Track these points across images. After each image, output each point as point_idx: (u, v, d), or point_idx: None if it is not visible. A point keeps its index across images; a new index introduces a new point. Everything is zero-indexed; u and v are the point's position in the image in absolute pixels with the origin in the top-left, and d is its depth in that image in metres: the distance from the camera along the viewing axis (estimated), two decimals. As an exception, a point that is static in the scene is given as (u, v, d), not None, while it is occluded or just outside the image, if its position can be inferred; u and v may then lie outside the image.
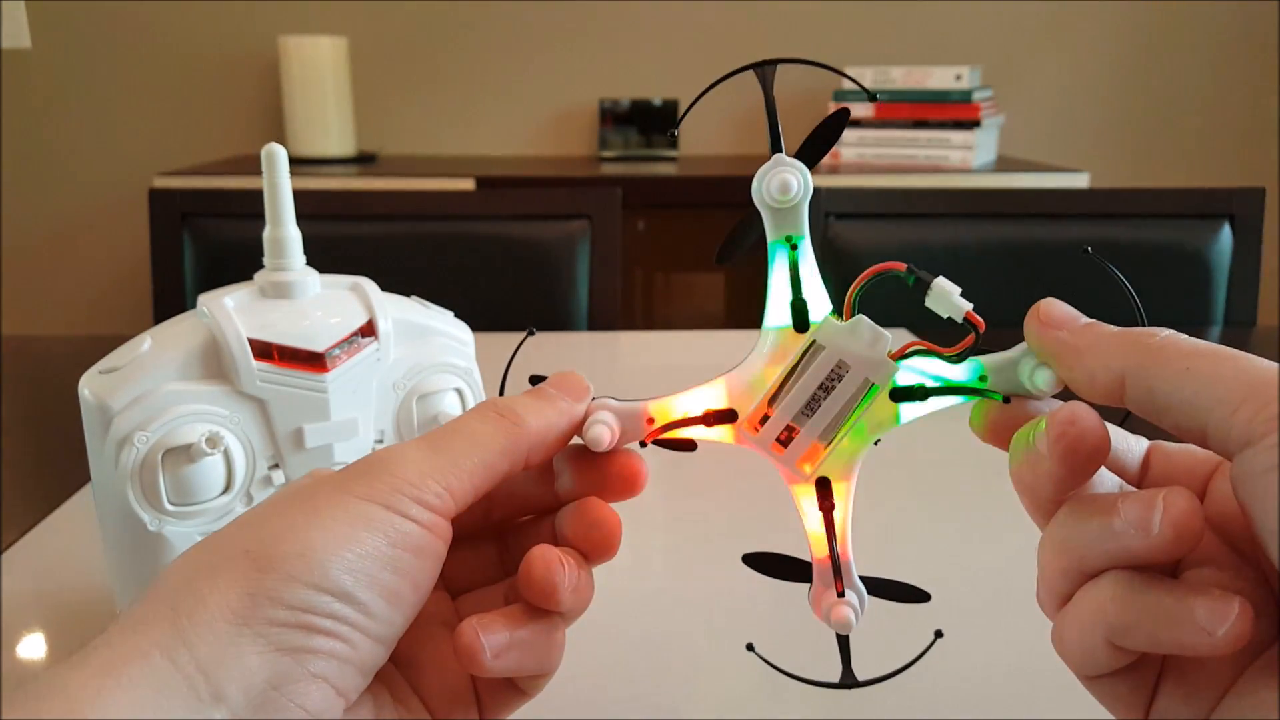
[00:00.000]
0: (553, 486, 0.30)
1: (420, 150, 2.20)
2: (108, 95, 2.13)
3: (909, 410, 0.28)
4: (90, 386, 0.38)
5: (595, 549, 0.28)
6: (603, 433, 0.28)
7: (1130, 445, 0.27)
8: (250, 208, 1.12)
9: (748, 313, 2.08)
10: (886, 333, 0.27)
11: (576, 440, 0.29)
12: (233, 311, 0.39)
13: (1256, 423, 0.21)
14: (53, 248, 2.21)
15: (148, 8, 2.09)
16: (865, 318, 0.28)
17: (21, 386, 0.83)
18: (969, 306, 0.26)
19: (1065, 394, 0.26)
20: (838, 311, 0.28)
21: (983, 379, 0.27)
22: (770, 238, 0.28)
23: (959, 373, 0.27)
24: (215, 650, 0.22)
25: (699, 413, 0.29)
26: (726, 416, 0.29)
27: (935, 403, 0.28)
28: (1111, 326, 0.25)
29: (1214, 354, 0.23)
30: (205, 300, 0.40)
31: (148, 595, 0.23)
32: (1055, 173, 1.90)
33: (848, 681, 0.29)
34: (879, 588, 0.29)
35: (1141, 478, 0.27)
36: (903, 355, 0.28)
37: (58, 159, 2.16)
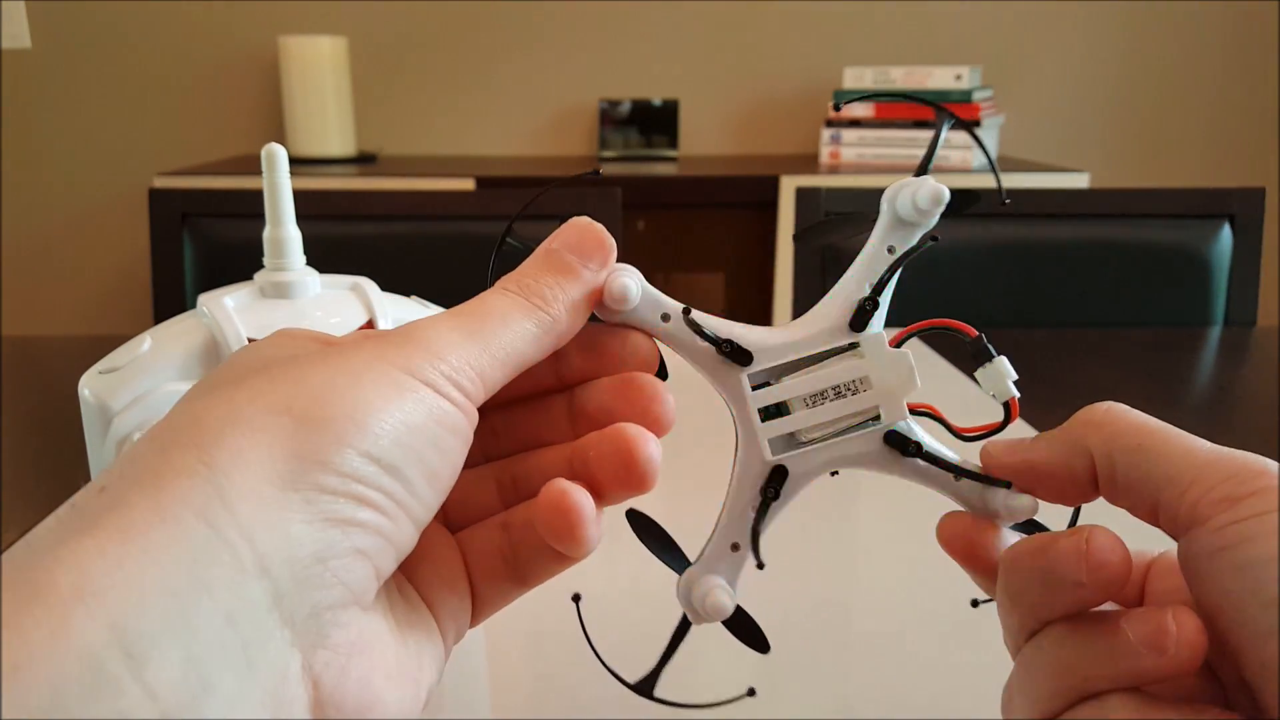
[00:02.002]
0: (554, 365, 0.27)
1: (420, 150, 2.20)
2: (108, 95, 2.13)
3: None
4: (90, 386, 0.38)
5: (657, 426, 0.26)
6: (629, 285, 0.26)
7: None
8: (250, 208, 1.12)
9: (748, 313, 2.08)
10: (919, 382, 0.27)
11: None
12: (233, 311, 0.39)
13: (1203, 505, 0.22)
14: (53, 248, 2.21)
15: (148, 8, 2.09)
16: (910, 357, 0.27)
17: (21, 386, 0.83)
18: (1016, 395, 0.26)
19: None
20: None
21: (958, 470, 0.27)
22: (874, 240, 0.27)
23: (950, 453, 0.27)
24: (260, 515, 0.19)
25: (720, 337, 0.27)
26: (742, 356, 0.27)
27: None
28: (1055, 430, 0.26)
29: (1163, 432, 0.24)
30: (205, 300, 0.40)
31: (157, 445, 0.20)
32: (1055, 173, 1.90)
33: (643, 688, 0.27)
34: (734, 619, 0.27)
35: None
36: (914, 411, 0.27)
37: (58, 159, 2.16)
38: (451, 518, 0.28)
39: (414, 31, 2.13)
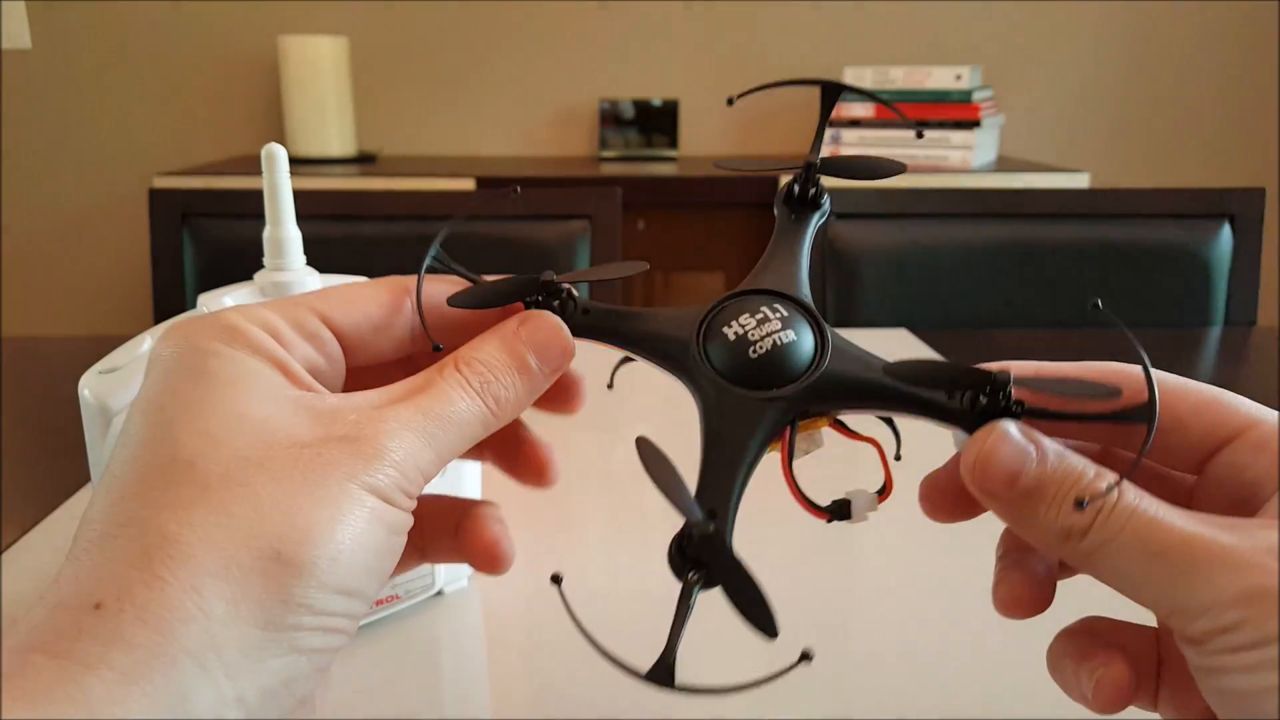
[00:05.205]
0: None
1: (420, 150, 2.20)
2: (108, 95, 2.13)
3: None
4: (90, 386, 0.38)
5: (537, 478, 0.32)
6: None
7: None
8: (250, 208, 1.12)
9: (748, 313, 2.08)
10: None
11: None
12: (233, 311, 0.39)
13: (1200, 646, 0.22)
14: (53, 248, 2.21)
15: (148, 8, 2.09)
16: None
17: (21, 386, 0.83)
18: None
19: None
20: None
21: None
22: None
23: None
24: (244, 657, 0.22)
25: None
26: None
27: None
28: (1069, 461, 0.24)
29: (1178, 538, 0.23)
30: (205, 300, 0.40)
31: (139, 552, 0.21)
32: (1055, 173, 1.90)
33: (658, 676, 0.24)
34: (740, 587, 0.24)
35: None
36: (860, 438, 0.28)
37: (58, 159, 2.16)
38: None
39: (414, 31, 2.13)
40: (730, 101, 0.30)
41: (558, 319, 0.28)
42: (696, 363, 0.27)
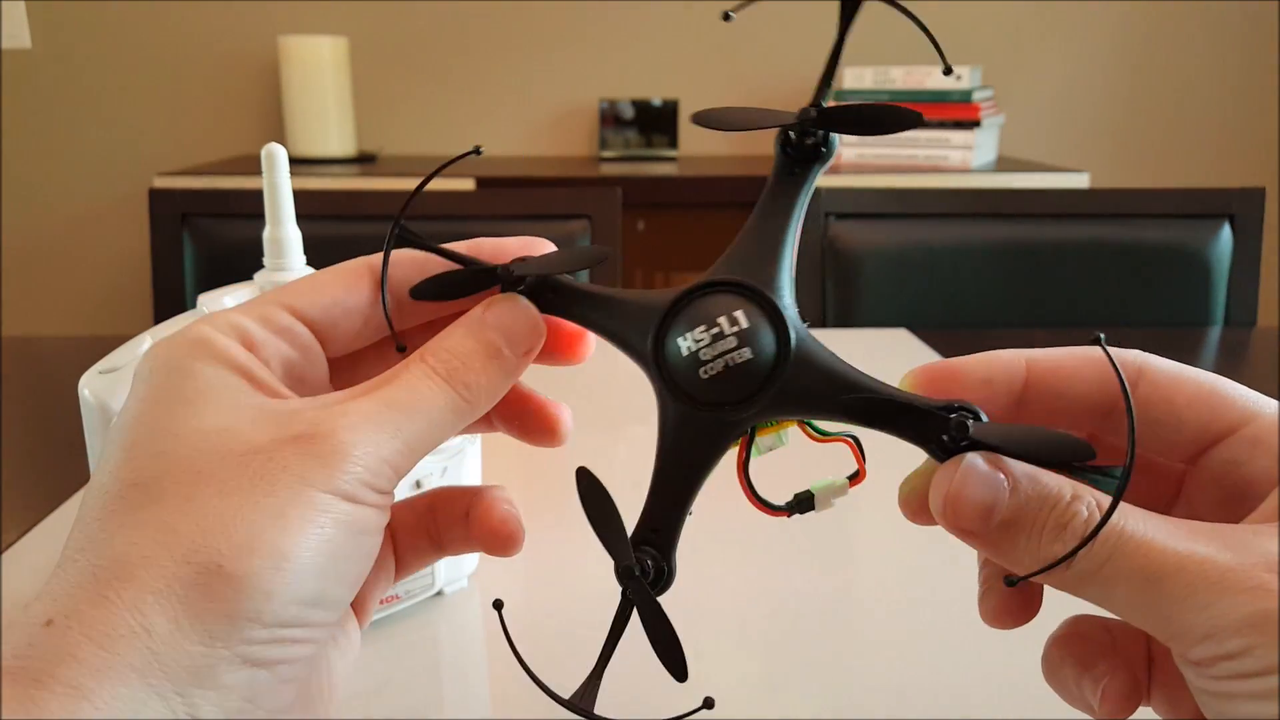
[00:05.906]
0: None
1: (420, 150, 2.20)
2: (108, 95, 2.13)
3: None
4: (90, 386, 0.38)
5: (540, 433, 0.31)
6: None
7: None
8: (250, 208, 1.12)
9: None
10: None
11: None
12: (233, 311, 0.39)
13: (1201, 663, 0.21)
14: (53, 248, 2.21)
15: (148, 8, 2.09)
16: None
17: (21, 386, 0.83)
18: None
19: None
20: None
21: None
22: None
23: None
24: (192, 673, 0.21)
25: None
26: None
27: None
28: (1044, 485, 0.23)
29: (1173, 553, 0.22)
30: (205, 300, 0.40)
31: (89, 574, 0.22)
32: (1055, 173, 1.90)
33: (578, 705, 0.26)
34: (657, 631, 0.26)
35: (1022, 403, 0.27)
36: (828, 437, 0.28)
37: (58, 159, 2.16)
38: None
39: (414, 31, 2.13)
40: (727, 16, 0.27)
41: (525, 300, 0.27)
42: (651, 368, 0.27)
